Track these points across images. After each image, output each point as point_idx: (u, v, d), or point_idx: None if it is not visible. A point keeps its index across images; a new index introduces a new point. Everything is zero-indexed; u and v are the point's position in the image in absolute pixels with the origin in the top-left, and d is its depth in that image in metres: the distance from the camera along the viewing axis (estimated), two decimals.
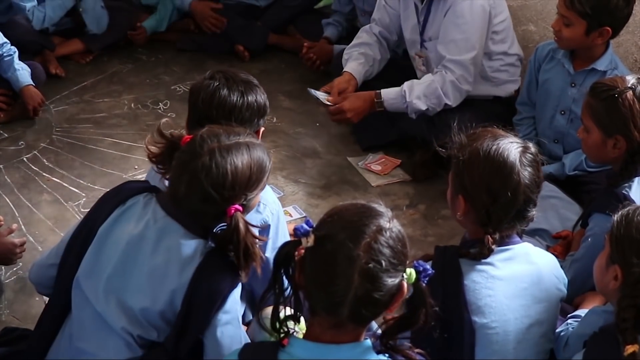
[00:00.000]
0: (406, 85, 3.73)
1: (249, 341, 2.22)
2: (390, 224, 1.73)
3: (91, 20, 4.79)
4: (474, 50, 3.66)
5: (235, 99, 2.47)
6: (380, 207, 1.77)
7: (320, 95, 3.79)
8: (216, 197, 2.07)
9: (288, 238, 2.60)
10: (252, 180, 2.12)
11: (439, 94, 3.69)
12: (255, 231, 2.15)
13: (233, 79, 2.52)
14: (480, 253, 2.10)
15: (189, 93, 2.58)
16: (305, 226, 1.74)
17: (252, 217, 2.43)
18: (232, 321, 2.16)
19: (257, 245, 2.13)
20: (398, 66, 4.15)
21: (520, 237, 2.22)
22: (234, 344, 2.11)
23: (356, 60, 3.96)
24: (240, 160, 2.08)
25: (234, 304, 2.16)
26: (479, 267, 2.11)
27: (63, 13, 4.67)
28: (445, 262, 2.13)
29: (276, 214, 2.56)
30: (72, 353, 2.22)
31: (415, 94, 3.69)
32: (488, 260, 2.11)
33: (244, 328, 2.43)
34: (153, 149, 2.24)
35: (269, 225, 2.53)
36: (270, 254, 2.51)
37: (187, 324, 2.12)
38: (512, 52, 3.86)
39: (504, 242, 2.14)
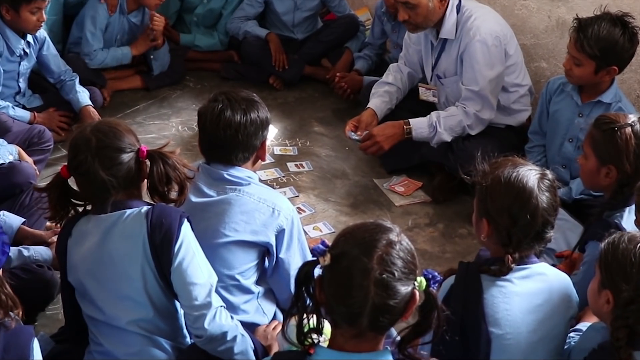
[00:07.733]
0: (434, 117, 3.72)
1: (209, 266, 2.24)
2: (398, 237, 1.72)
3: (157, 67, 4.83)
4: (490, 84, 3.65)
5: (239, 117, 2.42)
6: (388, 224, 1.75)
7: (355, 137, 3.83)
8: (112, 153, 2.14)
9: (304, 240, 2.60)
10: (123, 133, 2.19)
11: (463, 126, 3.70)
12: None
13: (235, 99, 2.45)
14: (500, 270, 2.09)
15: (197, 116, 2.52)
16: (321, 246, 1.72)
17: (267, 223, 2.46)
18: (187, 248, 2.16)
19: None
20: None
21: (538, 257, 2.20)
22: (195, 270, 2.15)
23: (380, 97, 3.99)
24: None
25: (185, 236, 2.18)
26: (499, 282, 2.10)
27: (117, 64, 4.67)
28: (467, 277, 2.12)
29: (290, 218, 2.52)
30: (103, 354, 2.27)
31: (443, 127, 3.69)
32: (507, 277, 2.10)
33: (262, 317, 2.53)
34: (50, 211, 2.26)
35: (284, 230, 2.50)
36: (284, 254, 2.51)
37: (163, 269, 2.15)
38: (523, 83, 3.84)
39: (522, 261, 2.13)
